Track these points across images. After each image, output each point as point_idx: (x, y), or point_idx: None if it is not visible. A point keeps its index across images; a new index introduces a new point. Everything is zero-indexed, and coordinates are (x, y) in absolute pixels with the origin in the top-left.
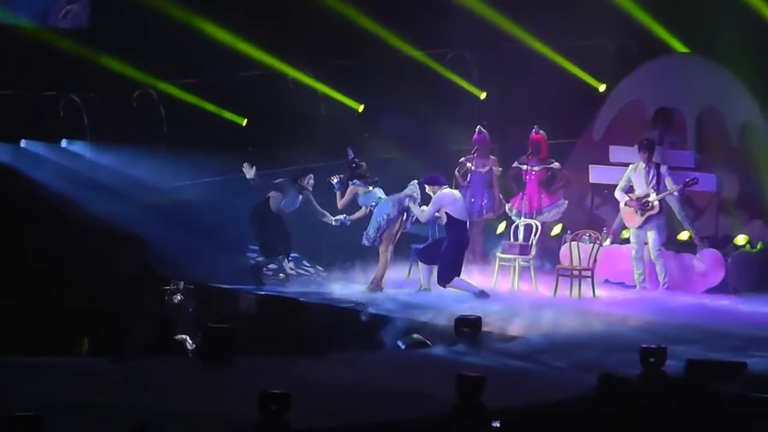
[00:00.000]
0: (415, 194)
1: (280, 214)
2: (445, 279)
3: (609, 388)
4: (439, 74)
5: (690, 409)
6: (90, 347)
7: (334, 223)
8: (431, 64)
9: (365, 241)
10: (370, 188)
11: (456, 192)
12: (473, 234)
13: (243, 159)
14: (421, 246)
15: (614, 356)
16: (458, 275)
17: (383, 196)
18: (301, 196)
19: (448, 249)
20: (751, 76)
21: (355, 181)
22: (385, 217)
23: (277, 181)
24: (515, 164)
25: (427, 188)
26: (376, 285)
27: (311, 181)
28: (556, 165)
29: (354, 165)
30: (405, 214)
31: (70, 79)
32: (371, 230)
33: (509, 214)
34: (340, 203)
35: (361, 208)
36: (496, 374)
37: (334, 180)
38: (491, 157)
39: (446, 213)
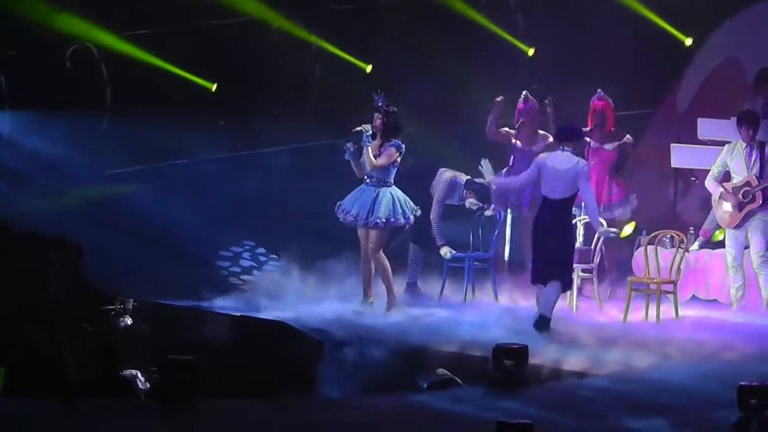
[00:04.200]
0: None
1: None
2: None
3: None
4: (472, 23)
5: None
6: (6, 383)
7: None
8: (462, 10)
9: (373, 220)
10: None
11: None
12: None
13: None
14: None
15: (704, 399)
16: None
17: None
18: None
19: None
20: None
21: (394, 141)
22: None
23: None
24: None
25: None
26: (392, 301)
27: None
28: (629, 139)
29: (391, 112)
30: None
31: None
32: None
33: None
34: (373, 164)
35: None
36: (548, 422)
37: (367, 130)
38: (540, 132)
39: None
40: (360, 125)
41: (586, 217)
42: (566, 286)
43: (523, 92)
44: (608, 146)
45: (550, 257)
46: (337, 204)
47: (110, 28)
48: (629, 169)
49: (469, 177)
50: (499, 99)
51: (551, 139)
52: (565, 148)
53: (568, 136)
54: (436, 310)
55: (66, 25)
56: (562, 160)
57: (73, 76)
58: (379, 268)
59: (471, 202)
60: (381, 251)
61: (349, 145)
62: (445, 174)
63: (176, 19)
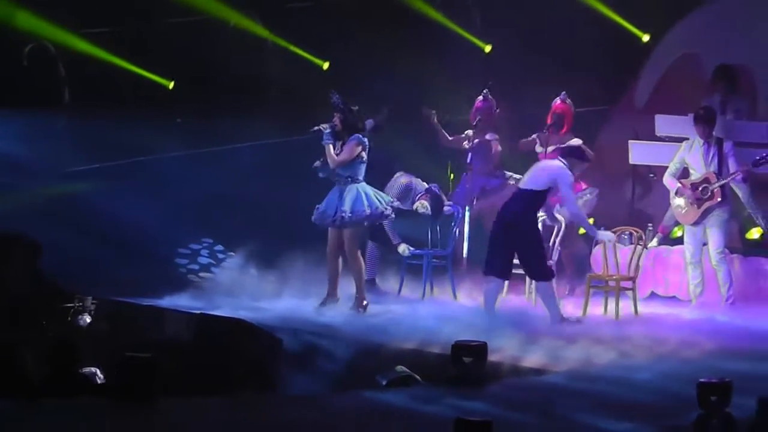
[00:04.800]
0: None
1: None
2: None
3: None
4: (429, 20)
5: None
6: None
7: None
8: (420, 7)
9: (389, 211)
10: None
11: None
12: None
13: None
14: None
15: (664, 395)
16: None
17: None
18: None
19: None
20: None
21: (358, 136)
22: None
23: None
24: (533, 137)
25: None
26: (360, 301)
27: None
28: (574, 142)
29: (349, 110)
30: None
31: None
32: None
33: None
34: (336, 161)
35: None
36: (507, 419)
37: (326, 129)
38: (495, 135)
39: None
40: (318, 125)
41: (541, 214)
42: (547, 276)
43: (484, 91)
44: (549, 148)
45: (520, 257)
46: (316, 207)
47: (67, 26)
48: (582, 170)
49: (425, 184)
50: (433, 112)
51: (496, 136)
52: (564, 160)
53: (573, 155)
54: (394, 307)
55: (23, 23)
56: (549, 160)
57: (31, 75)
58: (354, 268)
59: (422, 204)
60: (358, 251)
61: (324, 126)
62: (401, 179)
63: (134, 17)
